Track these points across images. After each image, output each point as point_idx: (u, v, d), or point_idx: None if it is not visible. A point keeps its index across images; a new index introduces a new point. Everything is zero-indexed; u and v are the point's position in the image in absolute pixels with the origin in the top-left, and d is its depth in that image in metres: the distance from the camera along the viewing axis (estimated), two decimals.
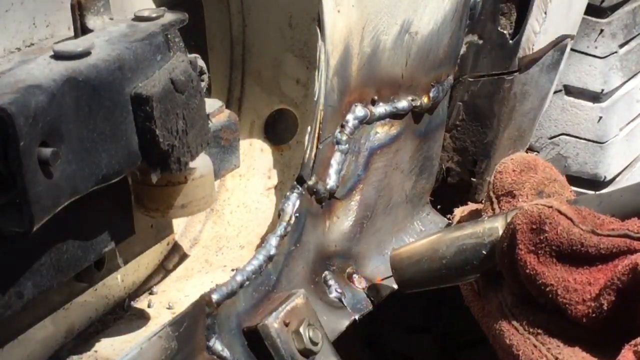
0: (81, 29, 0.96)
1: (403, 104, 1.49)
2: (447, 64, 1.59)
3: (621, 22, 2.05)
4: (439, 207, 1.74)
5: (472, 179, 1.82)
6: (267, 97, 1.41)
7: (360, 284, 1.47)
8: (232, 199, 1.40)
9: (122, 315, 1.20)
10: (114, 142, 0.91)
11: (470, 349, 2.18)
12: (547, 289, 1.03)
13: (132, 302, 1.23)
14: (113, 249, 1.06)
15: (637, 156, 2.26)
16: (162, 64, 0.97)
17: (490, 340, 1.13)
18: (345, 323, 1.40)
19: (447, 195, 1.79)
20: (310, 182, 1.32)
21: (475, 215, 1.30)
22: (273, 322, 1.22)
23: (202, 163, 1.06)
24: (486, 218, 1.19)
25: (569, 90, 2.07)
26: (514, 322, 1.08)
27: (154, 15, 0.99)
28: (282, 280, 1.30)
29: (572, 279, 1.02)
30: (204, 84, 1.07)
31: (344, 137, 1.37)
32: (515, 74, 1.75)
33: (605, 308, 0.98)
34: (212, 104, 1.17)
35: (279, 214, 1.30)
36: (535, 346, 1.04)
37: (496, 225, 1.15)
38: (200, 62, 1.07)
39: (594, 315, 1.00)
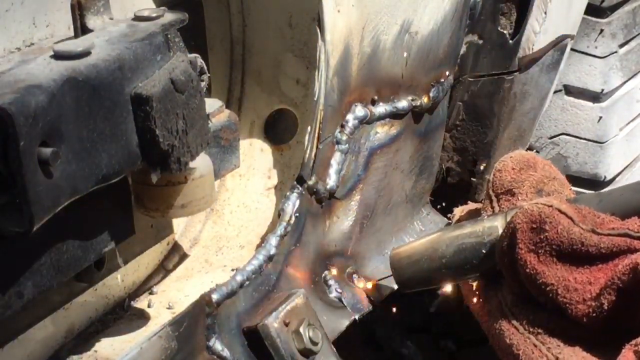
0: (81, 29, 0.96)
1: (403, 103, 1.49)
2: (447, 64, 1.59)
3: (621, 22, 2.05)
4: (439, 207, 1.74)
5: (472, 179, 1.82)
6: (267, 97, 1.41)
7: (360, 284, 1.47)
8: (232, 199, 1.40)
9: (122, 315, 1.20)
10: (114, 142, 0.91)
11: (470, 349, 2.18)
12: (548, 289, 1.03)
13: (132, 302, 1.23)
14: (113, 249, 1.06)
15: (637, 156, 2.26)
16: (162, 64, 0.97)
17: (490, 339, 1.13)
18: (345, 323, 1.40)
19: (447, 195, 1.79)
20: (310, 182, 1.32)
21: (475, 215, 1.30)
22: (273, 322, 1.22)
23: (202, 163, 1.06)
24: (486, 217, 1.19)
25: (569, 90, 2.07)
26: (514, 322, 1.08)
27: (154, 15, 0.99)
28: (282, 280, 1.30)
29: (572, 278, 1.02)
30: (204, 84, 1.07)
31: (344, 137, 1.37)
32: (515, 74, 1.75)
33: (606, 307, 0.98)
34: (212, 104, 1.17)
35: (279, 214, 1.30)
36: (535, 345, 1.04)
37: (496, 225, 1.14)
38: (200, 62, 1.07)
39: (594, 314, 1.00)
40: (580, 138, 2.09)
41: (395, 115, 1.48)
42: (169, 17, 1.00)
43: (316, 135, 1.31)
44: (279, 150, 1.41)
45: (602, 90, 2.05)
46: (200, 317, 1.14)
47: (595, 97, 2.07)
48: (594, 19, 2.00)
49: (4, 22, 0.95)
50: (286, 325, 1.23)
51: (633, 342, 0.94)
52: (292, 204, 1.30)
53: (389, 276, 1.37)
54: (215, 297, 1.16)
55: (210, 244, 1.37)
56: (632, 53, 2.12)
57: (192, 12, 1.17)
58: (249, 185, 1.41)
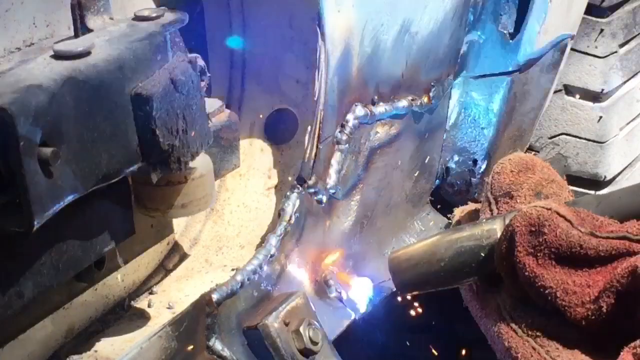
0: (81, 29, 0.96)
1: (403, 103, 1.49)
2: (447, 64, 1.59)
3: (621, 22, 2.05)
4: (439, 207, 1.74)
5: (472, 179, 1.82)
6: (267, 97, 1.41)
7: (359, 284, 1.47)
8: (232, 199, 1.40)
9: (122, 315, 1.20)
10: (114, 142, 0.91)
11: (470, 349, 2.18)
12: (546, 292, 1.03)
13: (132, 302, 1.23)
14: (113, 249, 1.06)
15: (637, 156, 2.26)
16: (162, 64, 0.97)
17: (489, 342, 1.13)
18: (345, 323, 1.40)
19: (447, 195, 1.79)
20: (310, 182, 1.32)
21: (475, 216, 1.29)
22: (273, 322, 1.22)
23: (202, 163, 1.06)
24: (484, 220, 1.19)
25: (569, 90, 2.07)
26: (513, 325, 1.07)
27: (154, 15, 0.99)
28: (282, 280, 1.30)
29: (571, 281, 1.02)
30: (204, 84, 1.07)
31: (344, 137, 1.37)
32: (515, 74, 1.75)
33: (605, 310, 0.98)
34: (212, 104, 1.17)
35: (279, 213, 1.30)
36: (534, 348, 1.04)
37: (494, 227, 1.14)
38: (200, 62, 1.07)
39: (593, 317, 1.00)
40: (580, 138, 2.09)
41: (395, 115, 1.48)
42: (169, 17, 1.00)
43: (316, 135, 1.31)
44: (279, 150, 1.41)
45: (602, 90, 2.05)
46: (200, 317, 1.14)
47: (595, 97, 2.07)
48: (594, 18, 2.00)
49: (4, 22, 0.95)
50: (286, 325, 1.23)
51: (632, 345, 0.94)
52: (292, 203, 1.30)
53: (387, 280, 1.37)
54: (215, 297, 1.16)
55: (210, 244, 1.37)
56: (632, 53, 2.12)
57: (192, 12, 1.17)
58: (249, 185, 1.41)
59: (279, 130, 1.41)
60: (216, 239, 1.37)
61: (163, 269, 1.31)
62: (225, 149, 1.20)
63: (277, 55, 1.38)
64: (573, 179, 2.07)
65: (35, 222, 0.82)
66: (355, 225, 1.47)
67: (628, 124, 2.19)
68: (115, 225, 1.04)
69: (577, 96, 2.06)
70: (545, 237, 1.03)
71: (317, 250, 1.39)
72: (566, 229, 1.02)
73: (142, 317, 1.19)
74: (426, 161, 1.65)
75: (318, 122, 1.30)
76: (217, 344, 1.16)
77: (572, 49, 1.93)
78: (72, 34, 0.97)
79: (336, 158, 1.37)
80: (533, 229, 1.04)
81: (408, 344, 2.30)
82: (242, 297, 1.22)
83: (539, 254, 1.03)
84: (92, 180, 0.89)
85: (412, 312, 1.88)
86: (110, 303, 1.19)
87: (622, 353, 0.94)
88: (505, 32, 1.71)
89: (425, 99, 1.54)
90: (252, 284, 1.23)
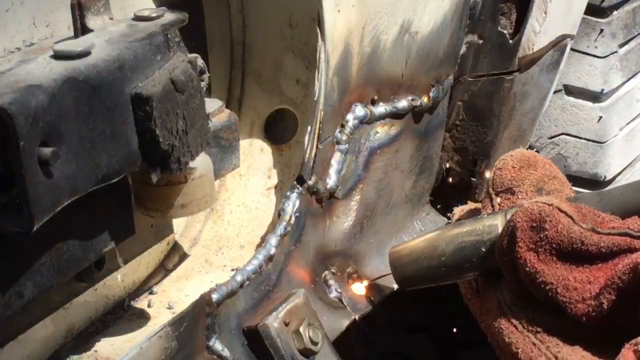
0: (81, 29, 0.96)
1: (403, 103, 1.49)
2: (447, 64, 1.59)
3: (621, 22, 2.05)
4: (439, 207, 1.74)
5: (472, 178, 1.82)
6: (267, 97, 1.41)
7: (359, 283, 1.47)
8: (232, 199, 1.40)
9: (122, 315, 1.20)
10: (114, 141, 0.91)
11: (470, 349, 2.18)
12: (547, 287, 1.03)
13: (132, 302, 1.23)
14: (113, 249, 1.06)
15: (637, 156, 2.26)
16: (162, 64, 0.97)
17: (489, 338, 1.13)
18: (345, 323, 1.40)
19: (447, 195, 1.79)
20: (310, 182, 1.32)
21: (474, 215, 1.29)
22: (273, 322, 1.22)
23: (202, 163, 1.06)
24: (485, 215, 1.19)
25: (569, 90, 2.07)
26: (513, 320, 1.07)
27: (154, 15, 0.99)
28: (282, 280, 1.30)
29: (572, 277, 1.02)
30: (204, 84, 1.07)
31: (344, 137, 1.37)
32: (515, 73, 1.75)
33: (605, 307, 0.98)
34: (212, 104, 1.17)
35: (279, 213, 1.30)
36: (534, 344, 1.04)
37: (496, 223, 1.14)
38: (200, 62, 1.07)
39: (593, 314, 1.00)
40: (580, 138, 2.09)
41: (395, 115, 1.48)
42: (169, 17, 1.00)
43: (316, 135, 1.31)
44: (279, 150, 1.41)
45: (602, 90, 2.05)
46: (200, 317, 1.14)
47: (595, 97, 2.07)
48: (594, 19, 2.01)
49: (4, 22, 0.95)
50: (286, 325, 1.23)
51: (633, 341, 0.94)
52: (292, 203, 1.30)
53: (388, 274, 1.37)
54: (215, 297, 1.16)
55: (210, 244, 1.37)
56: (632, 53, 2.12)
57: (192, 12, 1.17)
58: (249, 185, 1.41)
59: (279, 130, 1.41)
60: (216, 239, 1.37)
61: (163, 269, 1.31)
62: (225, 149, 1.20)
63: (277, 55, 1.38)
64: (573, 179, 2.06)
65: (35, 222, 0.82)
66: (355, 225, 1.47)
67: (628, 124, 2.19)
68: (115, 225, 1.04)
69: (577, 96, 2.06)
70: (547, 232, 1.03)
71: (317, 250, 1.39)
72: (567, 224, 1.02)
73: (142, 317, 1.20)
74: (426, 161, 1.65)
75: (318, 122, 1.30)
76: (217, 344, 1.16)
77: (572, 49, 1.93)
78: (72, 34, 0.97)
79: (336, 158, 1.37)
80: (534, 224, 1.04)
81: (407, 343, 2.30)
82: (242, 297, 1.22)
83: (540, 250, 1.03)
84: (92, 180, 0.89)
85: (412, 312, 1.88)
86: (110, 303, 1.19)
87: (622, 349, 0.94)
88: (505, 32, 1.71)
89: (425, 99, 1.54)
90: (252, 284, 1.23)
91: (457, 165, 1.81)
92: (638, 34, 2.14)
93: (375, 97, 1.43)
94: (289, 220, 1.29)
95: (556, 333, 1.04)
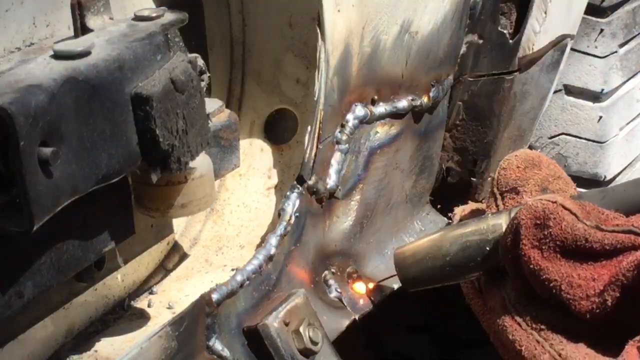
0: (81, 29, 0.96)
1: (403, 103, 1.49)
2: (447, 64, 1.59)
3: (621, 22, 2.05)
4: (439, 207, 1.74)
5: (472, 178, 1.82)
6: (267, 97, 1.41)
7: (360, 284, 1.47)
8: (232, 199, 1.40)
9: (122, 315, 1.20)
10: (114, 141, 0.91)
11: (472, 348, 2.18)
12: (551, 285, 1.03)
13: (132, 302, 1.23)
14: (113, 249, 1.06)
15: (637, 156, 2.26)
16: (162, 64, 0.97)
17: (492, 336, 1.13)
18: (345, 323, 1.40)
19: (447, 195, 1.79)
20: (310, 182, 1.32)
21: (476, 215, 1.29)
22: (273, 322, 1.22)
23: (202, 163, 1.06)
24: (490, 215, 1.19)
25: (569, 90, 2.07)
26: (517, 318, 1.07)
27: (153, 15, 0.99)
28: (282, 280, 1.30)
29: (576, 274, 1.02)
30: (204, 84, 1.07)
31: (344, 137, 1.37)
32: (515, 73, 1.75)
33: (609, 304, 0.98)
34: (212, 104, 1.17)
35: (279, 213, 1.30)
36: (538, 342, 1.04)
37: (500, 222, 1.14)
38: (200, 62, 1.07)
39: (597, 311, 1.00)
40: (580, 138, 2.09)
41: (395, 115, 1.48)
42: (169, 17, 1.00)
43: (316, 135, 1.31)
44: (279, 150, 1.41)
45: (602, 90, 2.05)
46: (200, 317, 1.14)
47: (595, 97, 2.07)
48: (594, 18, 2.00)
49: (4, 22, 0.95)
50: (286, 325, 1.23)
51: (637, 338, 0.94)
52: (292, 203, 1.30)
53: (392, 276, 1.37)
54: (215, 297, 1.16)
55: (210, 244, 1.37)
56: (632, 53, 2.12)
57: (192, 12, 1.16)
58: (249, 185, 1.41)
59: (279, 130, 1.41)
60: (216, 239, 1.37)
61: (163, 269, 1.31)
62: (225, 149, 1.20)
63: (277, 55, 1.38)
64: (573, 179, 2.05)
65: (35, 222, 0.82)
66: (355, 225, 1.47)
67: (628, 124, 2.19)
68: (115, 225, 1.04)
69: (577, 96, 2.06)
70: (551, 230, 1.03)
71: (317, 250, 1.39)
72: (572, 222, 1.02)
73: (142, 317, 1.20)
74: (426, 161, 1.65)
75: (318, 122, 1.30)
76: (217, 344, 1.16)
77: (572, 49, 1.93)
78: (72, 34, 0.97)
79: (336, 158, 1.37)
80: (538, 222, 1.04)
81: (408, 343, 2.30)
82: (242, 297, 1.22)
83: (544, 247, 1.03)
84: (92, 180, 0.89)
85: (412, 311, 1.88)
86: (110, 303, 1.19)
87: (626, 346, 0.94)
88: (505, 32, 1.71)
89: (425, 99, 1.54)
90: (252, 284, 1.23)
91: (457, 165, 1.81)
92: (638, 34, 2.14)
93: (375, 97, 1.43)
94: (289, 220, 1.29)
95: (560, 330, 1.04)
